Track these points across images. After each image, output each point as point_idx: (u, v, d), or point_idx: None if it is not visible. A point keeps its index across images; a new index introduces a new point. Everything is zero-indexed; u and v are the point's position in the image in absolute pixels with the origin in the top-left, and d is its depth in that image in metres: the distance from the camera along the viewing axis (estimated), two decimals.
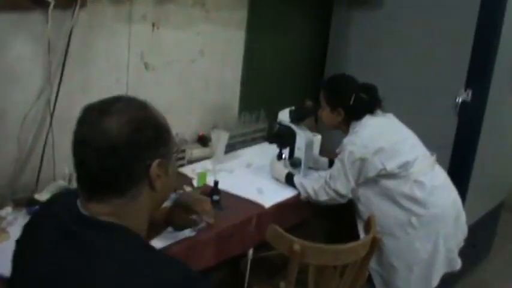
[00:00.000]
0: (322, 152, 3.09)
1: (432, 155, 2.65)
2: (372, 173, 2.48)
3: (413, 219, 2.49)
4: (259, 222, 2.42)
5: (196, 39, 2.89)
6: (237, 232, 2.34)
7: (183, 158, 2.80)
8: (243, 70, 3.22)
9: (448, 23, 3.08)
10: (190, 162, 2.84)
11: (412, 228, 2.50)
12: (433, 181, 2.53)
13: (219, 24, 2.99)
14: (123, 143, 1.20)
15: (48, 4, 2.15)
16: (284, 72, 3.50)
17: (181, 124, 2.91)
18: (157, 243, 2.08)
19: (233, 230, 2.32)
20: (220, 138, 2.85)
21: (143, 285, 1.13)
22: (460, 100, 3.04)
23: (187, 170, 2.74)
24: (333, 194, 2.53)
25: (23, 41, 2.18)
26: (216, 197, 2.44)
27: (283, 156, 2.83)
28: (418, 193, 2.48)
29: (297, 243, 2.16)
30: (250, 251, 2.44)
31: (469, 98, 3.03)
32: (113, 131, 1.20)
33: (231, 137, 3.02)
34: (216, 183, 2.47)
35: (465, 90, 3.03)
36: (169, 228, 2.07)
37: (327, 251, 2.21)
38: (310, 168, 2.86)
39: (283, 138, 2.81)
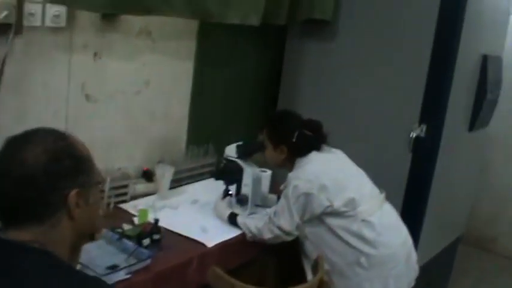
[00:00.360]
0: (272, 189, 2.99)
1: (381, 193, 2.59)
2: (318, 210, 2.40)
3: (363, 259, 2.41)
4: (202, 262, 2.29)
5: (141, 70, 2.78)
6: (177, 273, 2.22)
7: (125, 194, 2.67)
8: (191, 102, 3.12)
9: (402, 57, 3.05)
10: (134, 198, 2.71)
11: (361, 268, 2.42)
12: (382, 220, 2.47)
13: (166, 55, 2.89)
14: (40, 173, 1.24)
15: None
16: (235, 105, 3.41)
17: (124, 158, 2.78)
18: None
19: (172, 271, 2.20)
20: (164, 173, 2.73)
21: None
22: (414, 135, 2.99)
23: (129, 206, 2.62)
24: (277, 231, 2.44)
25: None
26: (156, 236, 2.32)
27: (230, 192, 2.73)
28: (366, 233, 2.41)
29: (238, 287, 2.07)
30: None
31: (423, 133, 2.98)
32: (30, 161, 1.24)
33: (177, 172, 2.91)
34: (156, 221, 2.35)
35: (419, 125, 2.98)
36: (101, 270, 1.99)
37: None
38: (258, 205, 2.75)
39: (230, 174, 2.70)
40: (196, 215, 2.67)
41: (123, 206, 2.64)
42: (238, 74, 3.41)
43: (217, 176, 2.75)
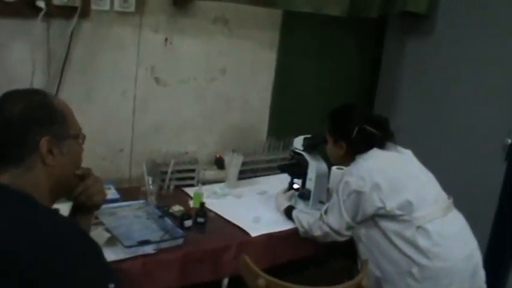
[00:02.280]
0: None
1: (449, 198, 2.34)
2: (369, 210, 2.22)
3: (415, 270, 2.18)
4: (241, 251, 2.23)
5: (216, 58, 2.82)
6: (210, 258, 2.20)
7: (192, 178, 2.73)
8: (274, 93, 3.09)
9: (504, 55, 2.74)
10: (202, 183, 2.73)
11: (413, 280, 2.18)
12: (443, 229, 2.20)
13: (245, 44, 2.90)
14: (15, 119, 1.40)
15: (46, 12, 2.21)
16: (323, 99, 3.27)
17: (195, 143, 2.85)
18: (107, 256, 2.00)
19: (205, 254, 2.19)
20: (233, 162, 2.74)
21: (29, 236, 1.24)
22: (510, 142, 2.66)
23: (192, 190, 2.63)
24: (326, 228, 2.31)
25: (22, 47, 2.25)
26: (200, 219, 2.34)
27: (295, 186, 2.65)
28: (420, 241, 2.17)
29: (262, 278, 2.00)
30: (225, 280, 2.29)
31: None
32: (8, 109, 1.42)
33: (253, 162, 2.91)
34: (202, 204, 2.37)
35: None
36: (130, 243, 2.06)
37: None
38: (322, 202, 2.61)
39: (294, 167, 2.63)
40: (257, 206, 2.63)
41: (187, 189, 2.68)
42: (328, 68, 3.30)
43: (282, 168, 2.69)
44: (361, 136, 2.36)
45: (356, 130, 2.36)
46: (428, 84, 3.10)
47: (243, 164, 2.84)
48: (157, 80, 2.66)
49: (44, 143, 1.42)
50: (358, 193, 2.24)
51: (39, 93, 1.52)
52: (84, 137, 1.58)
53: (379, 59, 3.42)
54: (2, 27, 2.20)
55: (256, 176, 2.98)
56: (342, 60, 3.36)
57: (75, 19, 2.31)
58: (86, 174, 1.64)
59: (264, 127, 3.14)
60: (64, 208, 1.66)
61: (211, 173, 2.81)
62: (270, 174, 3.01)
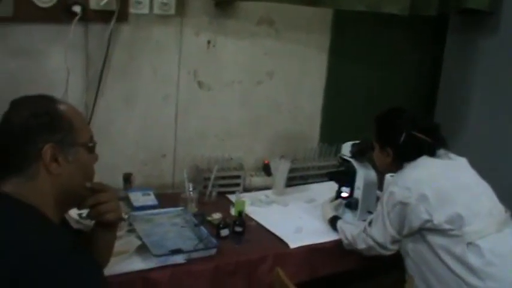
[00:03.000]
0: None
1: (506, 212, 2.12)
2: (415, 223, 2.05)
3: None
4: (278, 263, 2.12)
5: (262, 60, 2.72)
6: (243, 269, 2.11)
7: (238, 185, 2.65)
8: (325, 98, 2.95)
9: None
10: (249, 189, 2.67)
11: None
12: (496, 247, 1.99)
13: (293, 46, 2.78)
14: (18, 127, 1.38)
15: (82, 16, 2.20)
16: (378, 103, 2.92)
17: (241, 149, 2.76)
18: (136, 264, 1.98)
19: (239, 266, 2.09)
20: (279, 168, 2.63)
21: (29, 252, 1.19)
22: None
23: (236, 197, 2.52)
24: (370, 241, 2.16)
25: (60, 52, 2.23)
26: (238, 228, 2.25)
27: (343, 195, 2.51)
28: (471, 259, 1.97)
29: None
30: None
31: None
32: (13, 117, 1.40)
33: (303, 169, 2.79)
34: (240, 213, 2.28)
35: None
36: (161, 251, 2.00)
37: None
38: (370, 212, 2.44)
39: (341, 174, 2.49)
40: (302, 215, 2.51)
41: (231, 196, 2.59)
42: (382, 71, 3.11)
43: (330, 175, 2.55)
44: (409, 143, 2.18)
45: (403, 136, 2.19)
46: (495, 88, 2.85)
47: (293, 170, 2.75)
48: (200, 83, 2.60)
49: (47, 150, 1.37)
50: (404, 204, 2.06)
51: (46, 99, 1.47)
52: (94, 145, 1.51)
53: (439, 62, 3.18)
54: (38, 33, 2.20)
55: (306, 183, 2.85)
56: (398, 63, 3.18)
57: (112, 23, 2.29)
58: (100, 190, 1.54)
59: (315, 133, 3.00)
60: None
61: (258, 179, 2.72)
62: (321, 182, 2.86)
